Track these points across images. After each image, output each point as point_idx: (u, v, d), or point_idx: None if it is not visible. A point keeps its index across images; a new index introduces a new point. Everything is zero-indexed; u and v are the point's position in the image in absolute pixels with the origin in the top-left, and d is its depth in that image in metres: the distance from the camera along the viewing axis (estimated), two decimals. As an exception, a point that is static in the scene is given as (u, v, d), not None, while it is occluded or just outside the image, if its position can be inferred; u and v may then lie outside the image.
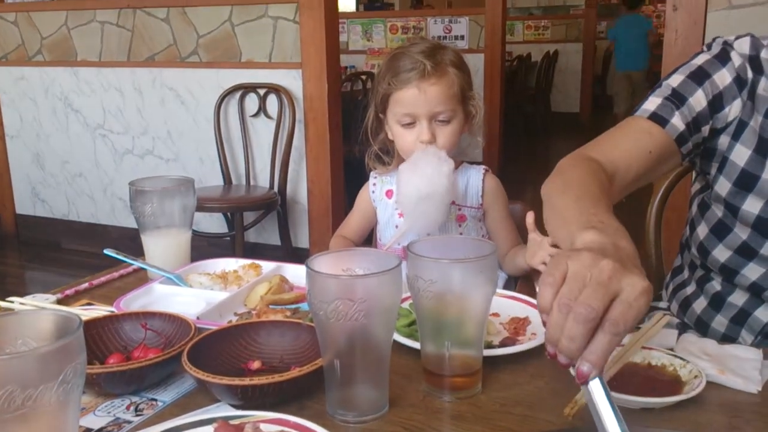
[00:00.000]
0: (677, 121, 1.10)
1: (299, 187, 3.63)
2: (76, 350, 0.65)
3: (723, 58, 1.12)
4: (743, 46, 1.12)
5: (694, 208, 1.27)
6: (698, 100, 1.11)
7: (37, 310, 0.86)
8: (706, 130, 1.12)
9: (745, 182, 1.10)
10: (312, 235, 3.63)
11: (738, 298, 1.19)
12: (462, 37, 6.18)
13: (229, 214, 3.65)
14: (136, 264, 1.28)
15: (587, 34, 8.91)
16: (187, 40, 3.69)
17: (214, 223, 3.87)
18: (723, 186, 1.14)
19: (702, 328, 1.25)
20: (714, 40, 1.16)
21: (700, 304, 1.26)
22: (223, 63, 3.63)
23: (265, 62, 3.54)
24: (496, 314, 1.13)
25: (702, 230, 1.22)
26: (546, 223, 1.00)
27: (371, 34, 6.77)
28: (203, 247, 3.81)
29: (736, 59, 1.11)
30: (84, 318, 1.03)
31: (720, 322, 1.22)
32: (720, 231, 1.18)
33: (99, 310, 1.12)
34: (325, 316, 0.79)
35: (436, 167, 1.36)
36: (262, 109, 3.58)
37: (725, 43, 1.14)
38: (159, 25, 3.74)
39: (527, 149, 7.71)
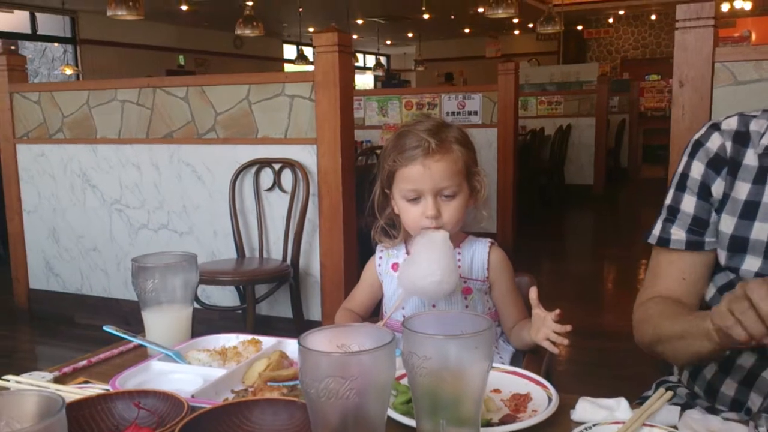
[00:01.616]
0: (678, 234, 1.25)
1: (312, 260, 3.64)
2: None
3: (694, 151, 1.24)
4: (731, 123, 1.22)
5: None
6: (689, 202, 1.24)
7: (20, 391, 0.85)
8: (714, 217, 1.22)
9: (737, 245, 1.18)
10: (324, 308, 3.62)
11: (746, 360, 1.19)
12: (475, 113, 6.28)
13: (241, 287, 3.65)
14: (136, 341, 1.28)
15: (599, 108, 9.02)
16: (205, 117, 3.78)
17: (226, 297, 3.87)
18: (721, 254, 1.21)
19: (712, 393, 1.24)
20: (704, 125, 1.27)
21: (710, 370, 1.25)
22: (240, 139, 3.70)
23: (281, 138, 3.61)
24: (497, 390, 1.11)
25: (710, 292, 1.24)
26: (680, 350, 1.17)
27: (387, 110, 6.90)
28: (214, 320, 3.80)
29: (713, 143, 1.22)
30: (77, 397, 1.02)
31: (729, 385, 1.21)
32: (726, 290, 1.19)
33: (94, 389, 1.11)
34: (316, 394, 0.78)
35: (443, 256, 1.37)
36: (276, 183, 3.62)
37: (712, 126, 1.24)
38: (178, 103, 3.84)
39: (542, 221, 7.71)
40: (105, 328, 1.26)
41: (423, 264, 1.37)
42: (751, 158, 1.18)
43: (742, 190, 1.18)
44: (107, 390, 1.08)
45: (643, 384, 1.42)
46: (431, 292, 1.39)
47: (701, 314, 1.10)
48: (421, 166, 1.41)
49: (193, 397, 1.05)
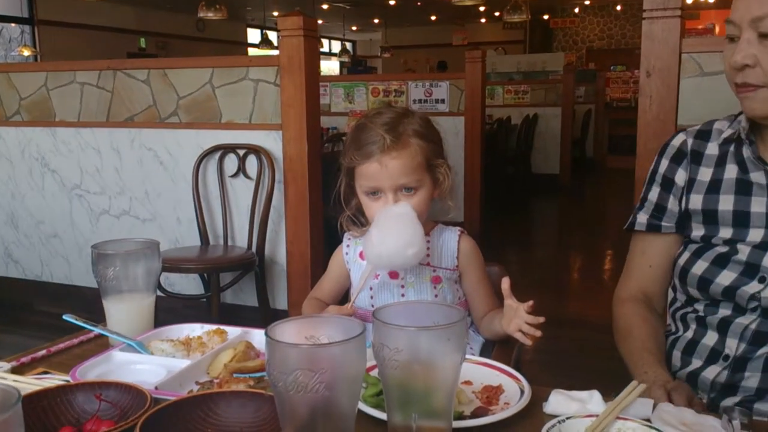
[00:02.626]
0: (642, 218, 1.42)
1: (278, 248, 3.60)
2: (14, 426, 0.62)
3: (662, 151, 1.43)
4: (696, 126, 1.41)
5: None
6: (654, 192, 1.42)
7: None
8: (673, 203, 1.39)
9: (709, 218, 1.32)
10: (291, 297, 3.58)
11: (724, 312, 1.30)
12: (443, 101, 6.27)
13: (205, 274, 3.60)
14: (96, 330, 1.24)
15: (566, 98, 9.07)
16: (167, 101, 3.70)
17: (190, 284, 3.81)
18: (698, 229, 1.34)
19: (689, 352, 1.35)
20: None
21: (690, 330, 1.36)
22: (203, 124, 3.64)
23: (246, 123, 3.55)
24: (468, 382, 1.10)
25: (684, 257, 1.36)
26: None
27: (353, 97, 6.85)
28: (178, 308, 3.74)
29: (677, 141, 1.40)
30: (36, 388, 0.98)
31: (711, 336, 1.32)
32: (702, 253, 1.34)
33: (54, 380, 1.07)
34: (285, 387, 0.75)
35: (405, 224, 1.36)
36: (241, 169, 3.57)
37: (680, 131, 1.42)
38: (139, 86, 3.75)
39: (508, 210, 7.75)
40: (65, 316, 1.22)
41: (388, 235, 1.35)
42: (712, 149, 1.36)
43: (706, 173, 1.34)
44: (67, 381, 1.04)
45: (613, 373, 1.43)
46: (399, 262, 1.36)
47: (641, 361, 1.29)
48: (378, 164, 1.38)
49: (156, 388, 1.02)
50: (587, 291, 4.86)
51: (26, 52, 10.82)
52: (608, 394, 1.01)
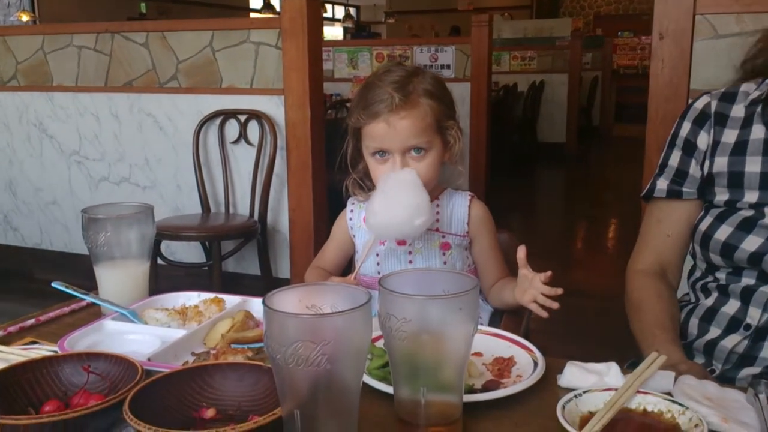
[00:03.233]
0: (661, 184, 1.35)
1: (280, 216, 3.54)
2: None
3: (685, 113, 1.35)
4: (722, 88, 1.34)
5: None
6: (675, 157, 1.35)
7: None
8: (695, 168, 1.32)
9: (734, 180, 1.25)
10: (293, 265, 3.53)
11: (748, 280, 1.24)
12: (448, 66, 6.15)
13: (207, 243, 3.54)
14: (87, 299, 1.18)
15: (573, 64, 8.92)
16: (167, 65, 3.61)
17: (191, 253, 3.75)
18: (722, 194, 1.27)
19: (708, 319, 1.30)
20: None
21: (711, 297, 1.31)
22: (203, 89, 3.55)
23: (247, 88, 3.46)
24: (478, 354, 1.04)
25: (706, 222, 1.29)
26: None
27: (357, 62, 6.73)
28: (179, 277, 3.70)
29: (700, 103, 1.33)
30: (20, 359, 0.93)
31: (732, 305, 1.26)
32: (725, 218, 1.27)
33: (41, 350, 1.01)
34: (283, 360, 0.69)
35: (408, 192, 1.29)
36: (242, 135, 3.49)
37: (704, 93, 1.35)
38: (138, 49, 3.66)
39: (514, 178, 7.67)
40: (54, 284, 1.17)
41: (394, 203, 1.29)
42: (738, 111, 1.28)
43: (731, 135, 1.27)
44: (55, 352, 0.99)
45: (626, 342, 1.38)
46: (406, 231, 1.30)
47: (653, 338, 1.23)
48: (386, 124, 1.31)
49: (149, 360, 0.97)
50: (593, 259, 4.81)
51: (25, 17, 10.67)
52: (622, 364, 0.96)
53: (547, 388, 0.93)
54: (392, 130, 1.31)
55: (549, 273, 1.18)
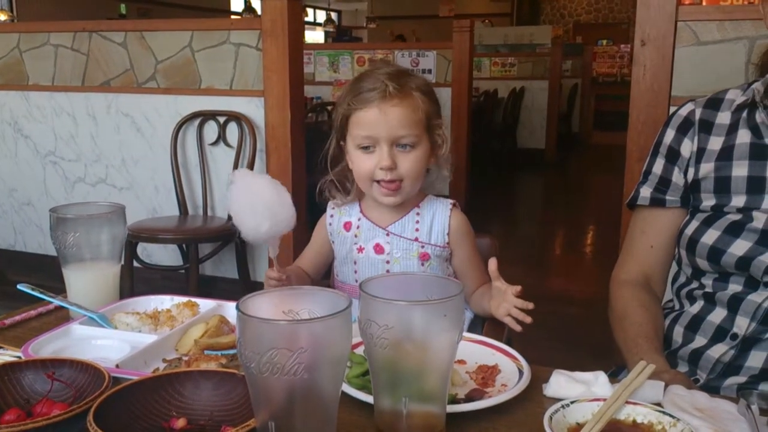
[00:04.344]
0: (645, 192, 1.34)
1: (259, 219, 3.49)
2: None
3: (668, 121, 1.34)
4: (707, 96, 1.32)
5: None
6: (658, 165, 1.34)
7: None
8: (678, 176, 1.30)
9: (721, 185, 1.24)
10: (271, 269, 3.48)
11: (734, 287, 1.23)
12: (429, 71, 6.14)
13: (184, 245, 3.49)
14: (55, 302, 1.13)
15: (553, 72, 8.96)
16: (145, 65, 3.55)
17: (169, 255, 3.69)
18: (709, 199, 1.25)
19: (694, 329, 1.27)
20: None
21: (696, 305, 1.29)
22: (182, 89, 3.50)
23: (226, 89, 3.42)
24: (462, 361, 1.01)
25: (693, 226, 1.27)
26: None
27: (338, 66, 6.70)
28: (156, 280, 3.63)
29: (684, 110, 1.32)
30: (-20, 366, 0.88)
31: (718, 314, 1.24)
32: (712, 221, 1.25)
33: (5, 356, 0.97)
34: (258, 369, 0.66)
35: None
36: (221, 137, 3.44)
37: (689, 100, 1.34)
38: (115, 49, 3.60)
39: (494, 184, 7.67)
40: (20, 286, 1.12)
41: (246, 213, 1.19)
42: (724, 118, 1.27)
43: (717, 142, 1.26)
44: (18, 358, 0.94)
45: (608, 350, 1.36)
46: (252, 236, 1.20)
47: (636, 348, 1.21)
48: (377, 110, 1.28)
49: (117, 366, 0.92)
50: (573, 266, 4.80)
51: (2, 17, 10.52)
52: (606, 371, 0.93)
53: (532, 398, 0.90)
54: (383, 117, 1.28)
55: (519, 287, 1.18)
